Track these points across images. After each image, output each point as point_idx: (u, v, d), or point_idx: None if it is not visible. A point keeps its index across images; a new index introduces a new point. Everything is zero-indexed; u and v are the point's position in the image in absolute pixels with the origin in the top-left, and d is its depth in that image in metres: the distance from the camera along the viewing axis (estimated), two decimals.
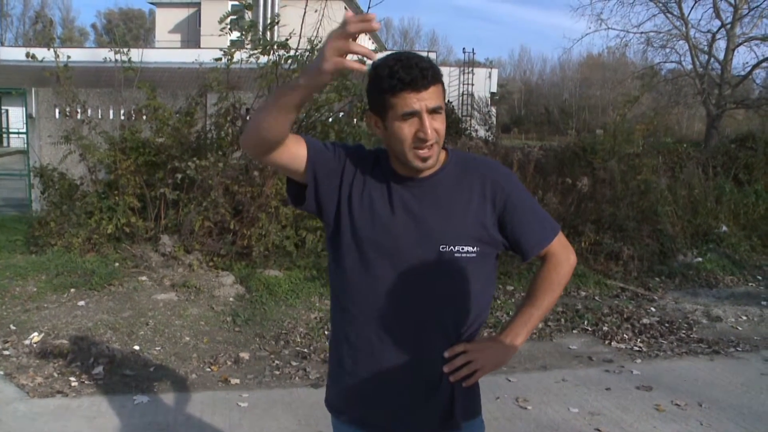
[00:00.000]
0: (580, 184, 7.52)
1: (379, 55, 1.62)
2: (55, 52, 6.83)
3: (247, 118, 6.90)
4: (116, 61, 6.89)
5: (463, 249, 1.65)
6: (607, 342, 5.24)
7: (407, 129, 1.57)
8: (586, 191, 7.57)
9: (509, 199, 1.69)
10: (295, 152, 1.64)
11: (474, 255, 1.66)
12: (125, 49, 6.94)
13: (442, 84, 1.63)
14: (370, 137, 6.85)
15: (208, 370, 4.43)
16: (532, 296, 1.79)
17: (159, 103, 6.72)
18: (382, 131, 1.64)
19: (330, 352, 1.86)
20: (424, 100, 1.55)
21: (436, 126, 1.58)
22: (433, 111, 1.57)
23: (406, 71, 1.53)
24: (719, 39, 17.66)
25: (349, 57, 1.40)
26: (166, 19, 38.35)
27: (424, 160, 1.61)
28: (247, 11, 7.42)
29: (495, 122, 13.87)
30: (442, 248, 1.64)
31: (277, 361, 4.60)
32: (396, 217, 1.66)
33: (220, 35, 7.08)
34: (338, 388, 1.81)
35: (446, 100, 1.67)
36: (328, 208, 1.70)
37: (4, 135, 23.24)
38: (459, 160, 1.73)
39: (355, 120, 7.39)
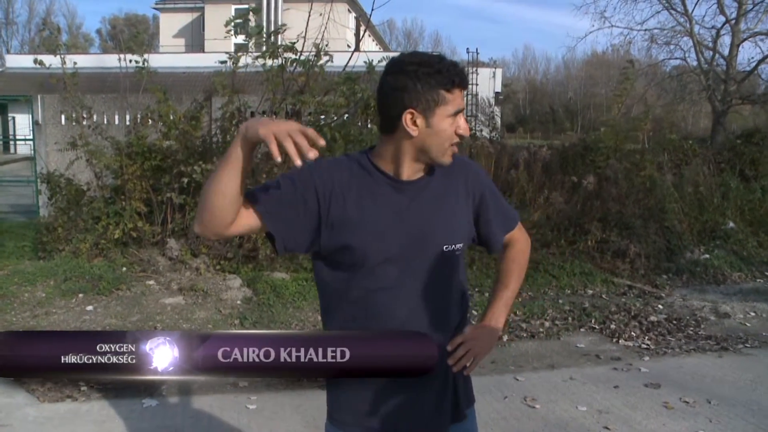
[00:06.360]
0: (586, 182, 7.51)
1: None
2: (62, 59, 6.86)
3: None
4: (130, 60, 6.91)
5: (458, 246, 1.71)
6: (614, 340, 5.24)
7: (452, 126, 1.61)
8: (592, 189, 7.57)
9: (484, 193, 1.77)
10: (246, 216, 1.57)
11: (460, 251, 1.73)
12: (141, 52, 6.94)
13: None
14: (378, 138, 6.85)
15: None
16: (506, 279, 1.88)
17: (171, 107, 6.74)
18: (420, 128, 1.59)
19: None
20: (462, 98, 1.63)
21: None
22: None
23: (459, 70, 1.59)
24: (724, 35, 17.57)
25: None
26: (170, 24, 38.52)
27: (453, 156, 1.66)
28: (254, 14, 7.43)
29: (500, 122, 13.87)
30: (446, 248, 1.68)
31: None
32: (398, 223, 1.64)
33: (225, 37, 7.09)
34: (348, 400, 1.72)
35: None
36: (313, 237, 1.63)
37: (11, 142, 23.36)
38: None
39: (359, 123, 7.41)
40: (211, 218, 1.53)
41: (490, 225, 1.78)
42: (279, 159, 1.38)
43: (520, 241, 1.90)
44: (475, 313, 5.31)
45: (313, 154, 1.38)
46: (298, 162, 1.39)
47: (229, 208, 1.51)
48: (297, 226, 1.61)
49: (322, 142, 1.40)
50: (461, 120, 1.62)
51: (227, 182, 1.48)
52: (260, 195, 1.60)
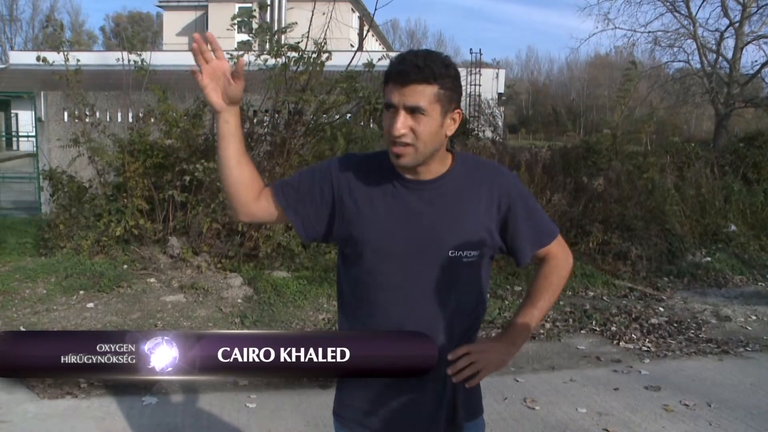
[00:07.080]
0: (597, 183, 7.51)
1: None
2: (65, 56, 6.87)
3: (254, 120, 6.92)
4: (129, 61, 6.91)
5: (470, 254, 1.64)
6: (615, 342, 5.23)
7: (387, 122, 1.56)
8: (599, 190, 7.58)
9: (513, 203, 1.68)
10: (267, 203, 1.69)
11: (475, 258, 1.65)
12: (138, 52, 6.96)
13: (444, 87, 1.54)
14: (379, 138, 6.85)
15: None
16: (534, 297, 1.78)
17: (170, 106, 6.74)
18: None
19: None
20: (404, 95, 1.52)
21: (412, 125, 1.53)
22: (412, 110, 1.52)
23: (398, 63, 1.54)
24: (727, 37, 17.60)
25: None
26: (174, 22, 38.43)
27: (397, 157, 1.57)
28: (260, 11, 7.45)
29: (501, 123, 13.88)
30: (451, 254, 1.62)
31: None
32: (403, 222, 1.63)
33: (228, 30, 7.07)
34: (347, 398, 1.75)
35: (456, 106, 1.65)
36: (329, 227, 1.69)
37: (14, 138, 23.36)
38: (465, 164, 1.70)
39: (362, 122, 7.41)
40: (231, 192, 1.66)
41: (518, 237, 1.70)
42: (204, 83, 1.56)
43: (557, 257, 1.79)
44: None
45: (209, 35, 1.54)
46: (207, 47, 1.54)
47: (237, 174, 1.63)
48: (314, 215, 1.68)
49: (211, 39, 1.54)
50: (397, 118, 1.53)
51: (225, 149, 1.63)
52: (282, 186, 1.71)
